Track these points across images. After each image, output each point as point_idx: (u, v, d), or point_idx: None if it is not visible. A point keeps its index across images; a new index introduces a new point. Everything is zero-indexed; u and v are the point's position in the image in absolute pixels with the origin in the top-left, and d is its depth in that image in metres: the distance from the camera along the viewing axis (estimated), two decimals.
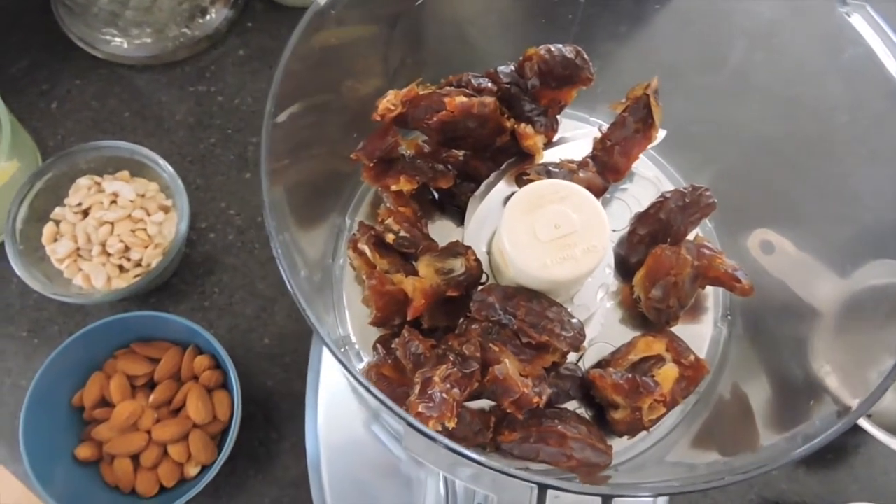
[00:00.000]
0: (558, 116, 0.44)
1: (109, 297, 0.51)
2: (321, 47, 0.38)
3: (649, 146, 0.43)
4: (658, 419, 0.38)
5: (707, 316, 0.44)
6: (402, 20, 0.44)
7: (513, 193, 0.38)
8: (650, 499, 0.30)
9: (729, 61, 0.44)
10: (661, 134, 0.44)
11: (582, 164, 0.43)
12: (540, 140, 0.42)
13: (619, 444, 0.40)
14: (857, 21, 0.36)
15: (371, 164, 0.41)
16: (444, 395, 0.32)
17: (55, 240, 0.53)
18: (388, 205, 0.42)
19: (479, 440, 0.37)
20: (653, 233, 0.42)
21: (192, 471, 0.48)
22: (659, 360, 0.39)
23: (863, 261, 0.37)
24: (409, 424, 0.28)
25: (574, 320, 0.36)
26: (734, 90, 0.45)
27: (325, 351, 0.46)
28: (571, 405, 0.40)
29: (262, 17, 0.66)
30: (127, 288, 0.51)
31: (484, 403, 0.38)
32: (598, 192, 0.42)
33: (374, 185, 0.42)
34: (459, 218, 0.44)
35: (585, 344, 0.37)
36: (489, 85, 0.41)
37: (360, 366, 0.41)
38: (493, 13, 0.49)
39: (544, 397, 0.35)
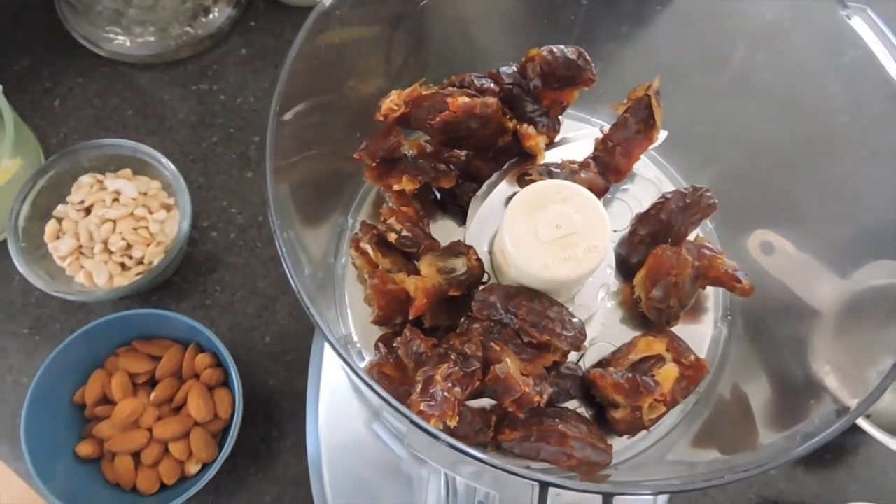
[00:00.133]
0: (560, 117, 0.44)
1: (111, 294, 0.51)
2: (325, 47, 0.38)
3: (650, 147, 0.43)
4: (658, 419, 0.38)
5: (707, 316, 0.44)
6: (405, 21, 0.44)
7: (514, 193, 0.39)
8: (651, 497, 0.31)
9: (730, 62, 0.44)
10: (662, 135, 0.45)
11: (583, 165, 0.43)
12: (542, 140, 0.42)
13: (619, 444, 0.40)
14: (858, 23, 0.36)
15: (374, 164, 0.41)
16: (446, 393, 0.32)
17: (57, 237, 0.53)
18: (390, 204, 0.43)
19: (480, 439, 0.37)
20: (653, 233, 0.42)
21: (192, 468, 0.48)
22: (659, 359, 0.39)
23: (863, 261, 0.38)
24: (412, 421, 0.28)
25: (575, 320, 0.37)
26: (735, 91, 0.45)
27: (327, 349, 0.46)
28: (572, 404, 0.41)
29: (264, 16, 0.66)
30: (129, 286, 0.51)
31: (485, 402, 0.38)
32: (600, 192, 0.42)
33: (377, 184, 0.42)
34: (461, 218, 0.44)
35: (586, 343, 0.37)
36: (491, 85, 0.41)
37: (362, 365, 0.41)
38: (496, 14, 0.49)
39: (545, 396, 0.35)
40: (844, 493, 0.52)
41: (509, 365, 0.35)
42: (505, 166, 0.44)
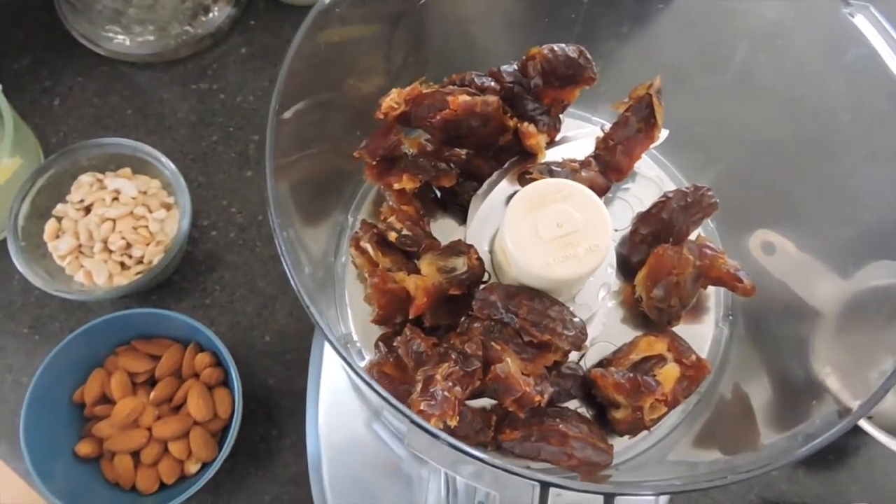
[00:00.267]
0: (561, 116, 0.44)
1: (111, 293, 0.51)
2: (325, 46, 0.38)
3: (652, 146, 0.43)
4: (659, 419, 0.38)
5: (708, 316, 0.44)
6: (405, 19, 0.44)
7: (515, 192, 0.38)
8: (652, 498, 0.31)
9: (732, 61, 0.44)
10: (663, 134, 0.45)
11: (584, 164, 0.43)
12: (542, 139, 0.42)
13: (620, 444, 0.40)
14: (861, 22, 0.36)
15: (374, 163, 0.41)
16: (446, 393, 0.32)
17: (57, 236, 0.53)
18: (390, 203, 0.42)
19: (481, 439, 0.37)
20: (655, 232, 0.42)
21: (192, 468, 0.48)
22: (660, 359, 0.39)
23: (864, 261, 0.37)
24: (412, 421, 0.28)
25: (576, 319, 0.36)
26: (737, 90, 0.45)
27: (327, 349, 0.46)
28: (573, 404, 0.40)
29: (264, 15, 0.66)
30: (128, 285, 0.51)
31: (485, 402, 0.38)
32: (601, 191, 0.42)
33: (377, 183, 0.42)
34: (462, 216, 0.44)
35: (587, 343, 0.37)
36: (492, 84, 0.41)
37: (362, 364, 0.41)
38: (497, 12, 0.49)
39: (546, 396, 0.35)
40: (846, 495, 0.52)
41: (510, 364, 0.34)
42: (506, 165, 0.44)
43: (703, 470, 0.38)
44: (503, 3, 0.49)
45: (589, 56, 0.40)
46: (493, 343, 0.36)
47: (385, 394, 0.28)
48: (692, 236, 0.43)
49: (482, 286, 0.38)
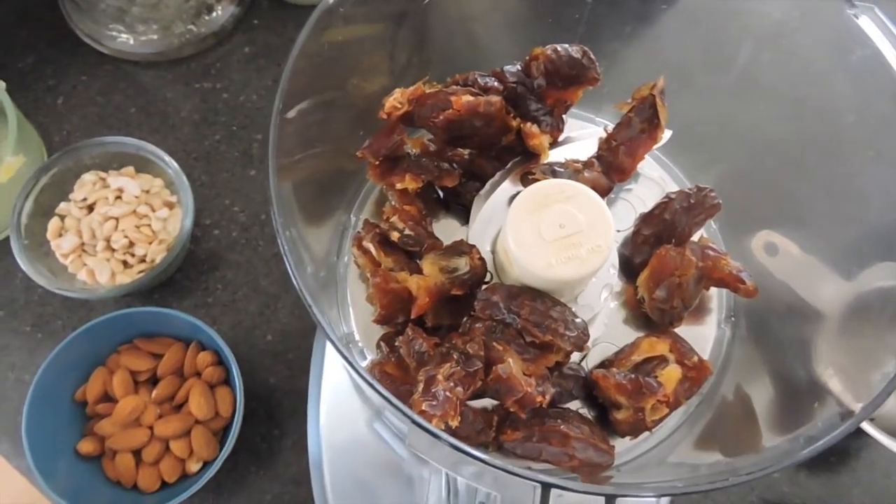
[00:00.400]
0: (564, 116, 0.44)
1: (113, 292, 0.51)
2: (329, 45, 0.38)
3: (655, 147, 0.43)
4: (661, 420, 0.38)
5: (711, 317, 0.44)
6: (408, 19, 0.44)
7: (518, 193, 0.38)
8: (653, 499, 0.30)
9: (736, 62, 0.44)
10: (666, 134, 0.44)
11: (587, 164, 0.42)
12: (545, 139, 0.42)
13: (621, 445, 0.40)
14: (865, 22, 0.36)
15: (377, 162, 0.41)
16: (448, 393, 0.32)
17: (60, 235, 0.53)
18: (393, 203, 0.42)
19: (482, 439, 0.37)
20: (657, 233, 0.42)
21: (193, 467, 0.48)
22: (662, 360, 0.39)
23: (868, 263, 0.37)
24: (413, 421, 0.28)
25: (578, 320, 0.36)
26: (740, 91, 0.45)
27: (329, 348, 0.46)
28: (574, 405, 0.40)
29: (267, 14, 0.66)
30: (131, 283, 0.51)
31: (487, 402, 0.38)
32: (604, 192, 0.42)
33: (380, 183, 0.42)
34: (464, 217, 0.44)
35: (589, 344, 0.37)
36: (495, 84, 0.41)
37: (364, 364, 0.41)
38: (500, 12, 0.49)
39: (547, 397, 0.35)
40: (848, 497, 0.52)
41: (512, 365, 0.34)
42: (508, 165, 0.44)
43: (704, 471, 0.37)
44: (507, 2, 0.49)
45: (592, 56, 0.40)
46: (494, 343, 0.36)
47: (386, 394, 0.28)
48: (695, 237, 0.43)
49: (484, 286, 0.38)
